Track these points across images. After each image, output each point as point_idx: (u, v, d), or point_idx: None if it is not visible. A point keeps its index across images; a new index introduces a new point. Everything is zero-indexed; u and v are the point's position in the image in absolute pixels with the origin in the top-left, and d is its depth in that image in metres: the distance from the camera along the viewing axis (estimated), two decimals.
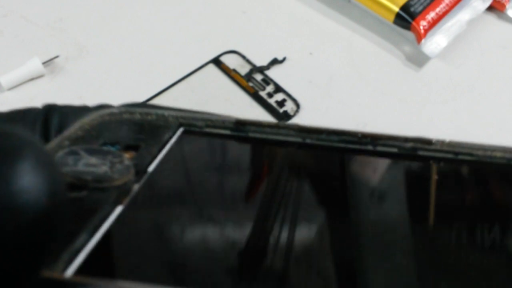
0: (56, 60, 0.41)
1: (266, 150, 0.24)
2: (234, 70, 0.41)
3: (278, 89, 0.41)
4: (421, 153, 0.23)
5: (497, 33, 0.44)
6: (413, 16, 0.42)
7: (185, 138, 0.23)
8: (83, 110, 0.26)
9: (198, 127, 0.24)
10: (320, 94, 0.41)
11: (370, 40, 0.44)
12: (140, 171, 0.21)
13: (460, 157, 0.23)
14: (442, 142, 0.23)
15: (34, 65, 0.40)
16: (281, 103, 0.40)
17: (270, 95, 0.40)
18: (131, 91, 0.40)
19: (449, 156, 0.23)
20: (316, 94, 0.41)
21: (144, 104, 0.27)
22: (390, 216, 0.22)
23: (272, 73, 0.42)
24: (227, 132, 0.24)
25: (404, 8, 0.42)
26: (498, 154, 0.22)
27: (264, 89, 0.41)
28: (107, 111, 0.24)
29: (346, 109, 0.40)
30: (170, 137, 0.23)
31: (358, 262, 0.20)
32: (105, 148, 0.22)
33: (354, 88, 0.41)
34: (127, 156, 0.21)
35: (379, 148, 0.23)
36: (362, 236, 0.21)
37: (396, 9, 0.42)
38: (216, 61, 0.42)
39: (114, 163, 0.20)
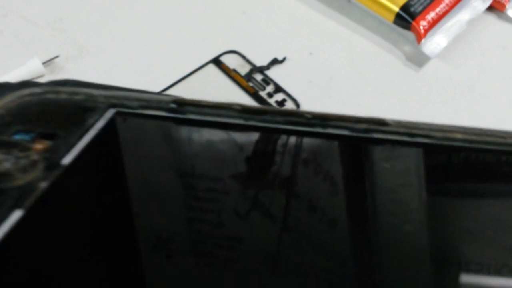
0: (56, 60, 0.41)
1: (206, 132, 0.22)
2: (234, 70, 0.41)
3: (278, 89, 0.41)
4: (375, 135, 0.21)
5: (497, 33, 0.44)
6: (413, 16, 0.42)
7: (117, 121, 0.21)
8: (2, 87, 0.22)
9: (131, 108, 0.21)
10: (320, 94, 0.41)
11: (370, 40, 0.44)
12: (51, 165, 0.18)
13: (418, 139, 0.21)
14: (398, 123, 0.21)
15: (34, 65, 0.40)
16: (281, 103, 0.40)
17: (270, 95, 0.40)
18: None
19: (405, 138, 0.21)
20: (316, 94, 0.41)
21: (75, 82, 0.24)
22: (336, 203, 0.21)
23: (272, 73, 0.42)
24: (164, 113, 0.21)
25: (404, 8, 0.42)
26: (459, 136, 0.20)
27: (264, 89, 0.41)
28: (27, 91, 0.21)
29: (346, 109, 0.40)
30: (96, 121, 0.20)
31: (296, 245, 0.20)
32: (15, 138, 0.19)
33: (354, 88, 0.41)
34: (38, 147, 0.18)
35: (329, 130, 0.21)
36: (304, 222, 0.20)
37: (396, 9, 0.42)
38: (216, 61, 0.42)
39: (19, 158, 0.17)
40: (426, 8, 0.42)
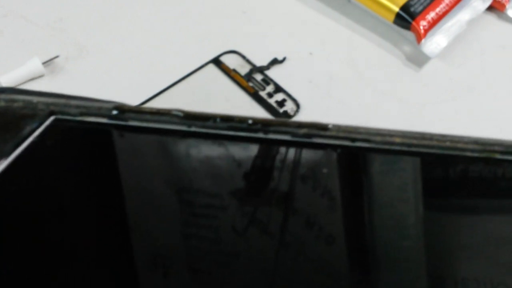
0: (56, 60, 0.41)
1: (148, 139, 0.22)
2: (234, 70, 0.41)
3: (278, 89, 0.41)
4: (316, 140, 0.21)
5: (497, 33, 0.44)
6: (413, 16, 0.42)
7: (57, 128, 0.20)
8: None
9: (72, 115, 0.21)
10: (320, 94, 0.41)
11: (370, 40, 0.44)
12: None
13: (358, 143, 0.21)
14: (337, 127, 0.21)
15: (34, 65, 0.40)
16: (281, 103, 0.40)
17: (270, 95, 0.40)
18: (131, 91, 0.40)
19: (346, 143, 0.21)
20: (316, 94, 0.41)
21: (14, 89, 0.24)
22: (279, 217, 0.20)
23: (272, 73, 0.42)
24: (105, 120, 0.21)
25: (404, 8, 0.42)
26: (397, 140, 0.21)
27: (264, 89, 0.41)
28: None
29: (346, 109, 0.40)
30: (34, 129, 0.20)
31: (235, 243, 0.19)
32: None
33: (354, 88, 0.41)
34: None
35: (271, 136, 0.21)
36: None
37: (396, 9, 0.42)
38: (216, 61, 0.42)
39: None
40: (426, 8, 0.42)
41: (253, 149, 0.22)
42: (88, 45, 0.43)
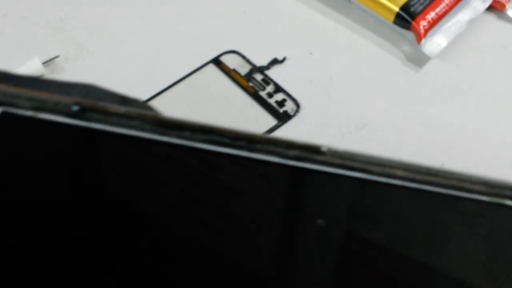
0: (56, 60, 0.41)
1: (112, 147, 0.19)
2: (234, 70, 0.41)
3: (278, 89, 0.41)
4: (306, 165, 0.18)
5: (497, 33, 0.44)
6: (413, 16, 0.42)
7: (6, 123, 0.17)
8: None
9: (22, 109, 0.18)
10: (320, 94, 0.41)
11: (370, 40, 0.44)
12: None
13: (352, 173, 0.18)
14: (333, 153, 0.18)
15: (34, 65, 0.40)
16: (281, 103, 0.40)
17: (270, 95, 0.40)
18: (131, 91, 0.40)
19: (339, 171, 0.18)
20: (316, 94, 0.41)
21: None
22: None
23: (272, 73, 0.42)
24: (62, 118, 0.18)
25: (404, 8, 0.42)
26: (399, 172, 0.18)
27: (264, 89, 0.41)
28: None
29: (346, 109, 0.40)
30: None
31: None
32: None
33: (354, 88, 0.41)
34: None
35: (255, 155, 0.18)
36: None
37: (396, 9, 0.42)
38: (216, 61, 0.42)
39: None
40: (426, 8, 0.42)
41: (233, 169, 0.19)
42: (88, 45, 0.43)
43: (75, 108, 0.18)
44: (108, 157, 0.19)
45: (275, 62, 0.42)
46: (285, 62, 0.42)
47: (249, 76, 0.41)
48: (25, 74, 0.22)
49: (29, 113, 0.18)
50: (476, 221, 0.19)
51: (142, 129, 0.18)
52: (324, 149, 0.19)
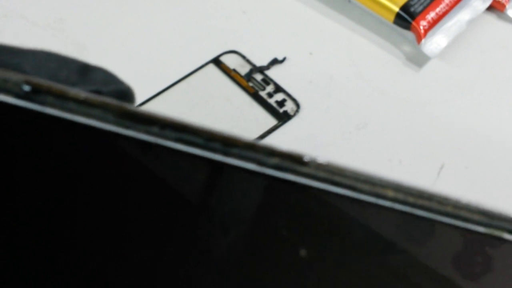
0: None
1: (66, 136, 0.16)
2: (234, 70, 0.41)
3: (278, 89, 0.41)
4: (284, 175, 0.16)
5: (497, 33, 0.44)
6: (413, 16, 0.42)
7: None
8: None
9: None
10: (320, 94, 0.41)
11: (370, 40, 0.44)
12: None
13: (337, 190, 0.16)
14: (318, 165, 0.16)
15: None
16: (281, 103, 0.40)
17: (270, 95, 0.40)
18: None
19: (322, 186, 0.16)
20: (316, 94, 0.41)
21: None
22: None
23: (272, 73, 0.41)
24: (12, 100, 0.16)
25: (404, 8, 0.42)
26: (390, 193, 0.17)
27: (264, 89, 0.41)
28: None
29: (346, 109, 0.40)
30: None
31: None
32: None
33: (354, 88, 0.41)
34: None
35: (231, 161, 0.16)
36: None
37: (396, 9, 0.42)
38: (216, 61, 0.42)
39: None
40: (426, 8, 0.42)
41: (203, 172, 0.17)
42: (88, 45, 0.43)
43: (26, 88, 0.16)
44: (60, 148, 0.16)
45: (275, 62, 0.42)
46: (285, 62, 0.42)
47: (249, 76, 0.41)
48: None
49: None
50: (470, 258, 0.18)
51: (104, 120, 0.16)
52: (307, 159, 0.16)
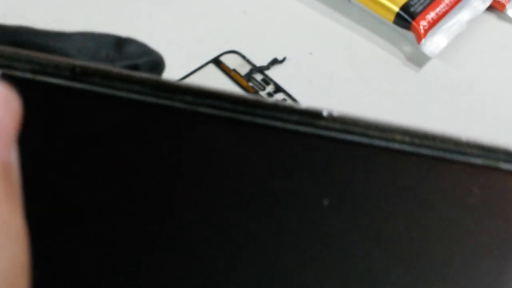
0: None
1: (112, 110, 0.18)
2: (234, 70, 0.41)
3: (278, 89, 0.41)
4: (305, 129, 0.18)
5: (497, 33, 0.44)
6: (413, 16, 0.42)
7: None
8: None
9: (21, 71, 0.18)
10: (320, 94, 0.41)
11: (370, 40, 0.44)
12: None
13: (352, 137, 0.19)
14: (334, 118, 0.19)
15: None
16: None
17: (270, 95, 0.40)
18: None
19: (340, 135, 0.19)
20: (316, 94, 0.41)
21: None
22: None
23: (272, 73, 0.41)
24: (61, 81, 0.18)
25: (404, 8, 0.42)
26: (398, 137, 0.19)
27: (264, 89, 0.41)
28: None
29: (346, 109, 0.40)
30: None
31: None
32: None
33: (354, 88, 0.41)
34: None
35: (259, 120, 0.18)
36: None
37: (396, 9, 0.42)
38: (216, 61, 0.42)
39: None
40: (426, 8, 0.42)
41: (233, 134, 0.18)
42: None
43: (77, 70, 0.18)
44: (108, 122, 0.19)
45: (275, 62, 0.42)
46: (285, 62, 0.42)
47: (249, 76, 0.41)
48: (17, 25, 0.22)
49: (28, 75, 0.18)
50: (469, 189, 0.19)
51: (144, 93, 0.18)
52: (325, 113, 0.19)
